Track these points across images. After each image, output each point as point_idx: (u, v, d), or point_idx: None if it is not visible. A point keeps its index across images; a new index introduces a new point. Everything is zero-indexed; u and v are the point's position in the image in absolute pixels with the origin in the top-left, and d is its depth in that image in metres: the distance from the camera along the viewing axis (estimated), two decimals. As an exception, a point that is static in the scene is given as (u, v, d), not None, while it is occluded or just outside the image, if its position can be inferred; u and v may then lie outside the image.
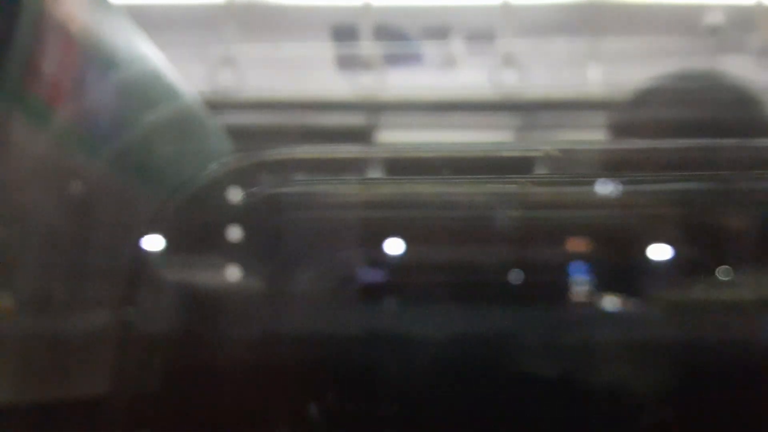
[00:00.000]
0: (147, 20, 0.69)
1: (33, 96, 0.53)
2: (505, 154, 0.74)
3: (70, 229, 0.60)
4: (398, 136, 0.90)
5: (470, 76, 0.89)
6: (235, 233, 0.72)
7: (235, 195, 0.72)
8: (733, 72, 0.80)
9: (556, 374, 0.73)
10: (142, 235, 0.67)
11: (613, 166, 0.77)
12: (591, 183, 0.73)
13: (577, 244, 0.74)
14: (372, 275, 0.75)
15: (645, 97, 0.80)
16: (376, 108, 0.86)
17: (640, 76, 0.81)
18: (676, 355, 0.71)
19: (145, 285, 0.67)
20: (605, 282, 0.73)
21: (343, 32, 0.88)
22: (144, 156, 0.67)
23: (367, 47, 0.87)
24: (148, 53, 0.69)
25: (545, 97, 0.86)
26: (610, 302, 0.73)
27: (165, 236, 0.68)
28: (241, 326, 0.72)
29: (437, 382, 0.73)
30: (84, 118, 0.60)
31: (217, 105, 0.80)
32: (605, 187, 0.73)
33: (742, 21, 0.84)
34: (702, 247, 0.72)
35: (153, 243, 0.67)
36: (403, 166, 0.75)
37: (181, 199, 0.70)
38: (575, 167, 0.74)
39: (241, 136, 0.78)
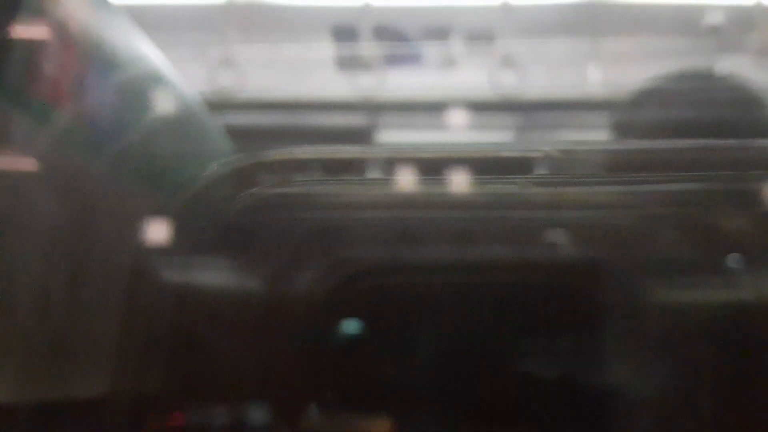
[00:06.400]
0: (147, 20, 0.68)
1: (33, 96, 0.53)
2: (505, 154, 0.74)
3: (71, 229, 0.60)
4: (398, 136, 0.90)
5: (470, 77, 0.89)
6: (235, 233, 0.72)
7: (236, 195, 0.72)
8: (733, 72, 0.80)
9: (557, 374, 0.73)
10: (143, 236, 0.67)
11: (613, 166, 0.77)
12: (591, 183, 0.73)
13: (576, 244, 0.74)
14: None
15: (646, 97, 0.80)
16: (376, 108, 0.86)
17: (640, 76, 0.81)
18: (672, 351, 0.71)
19: (146, 285, 0.67)
20: (604, 281, 0.73)
21: (343, 32, 0.88)
22: (144, 156, 0.67)
23: (367, 47, 0.87)
24: (148, 54, 0.69)
25: (545, 97, 0.86)
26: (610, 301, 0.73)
27: (166, 237, 0.68)
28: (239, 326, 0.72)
29: (438, 377, 0.73)
30: (84, 119, 0.60)
31: (217, 105, 0.80)
32: (605, 188, 0.73)
33: (742, 21, 0.84)
34: (701, 247, 0.72)
35: (154, 243, 0.67)
36: (403, 166, 0.75)
37: (182, 199, 0.70)
38: (575, 167, 0.74)
39: (241, 136, 0.78)
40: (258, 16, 0.90)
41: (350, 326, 0.75)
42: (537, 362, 0.75)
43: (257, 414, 0.70)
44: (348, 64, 0.88)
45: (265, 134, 0.83)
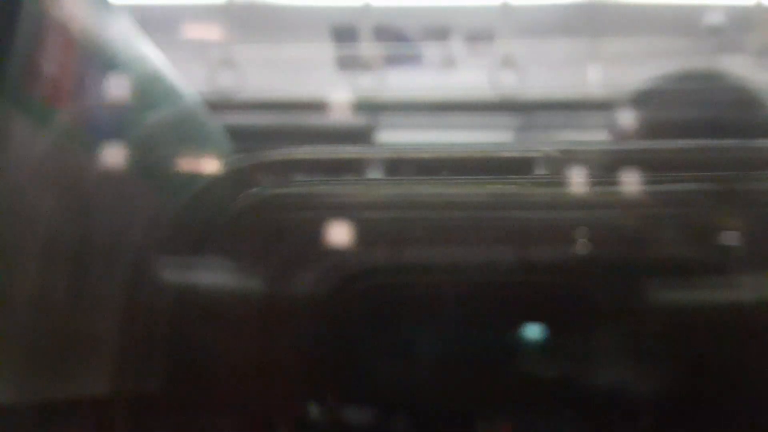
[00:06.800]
0: (147, 20, 0.68)
1: (33, 97, 0.53)
2: (505, 154, 0.74)
3: (71, 229, 0.60)
4: (398, 137, 0.90)
5: (470, 77, 0.89)
6: (235, 234, 0.72)
7: (236, 195, 0.71)
8: (733, 72, 0.80)
9: (557, 373, 0.73)
10: (143, 236, 0.67)
11: (613, 166, 0.77)
12: (591, 183, 0.73)
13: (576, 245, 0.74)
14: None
15: (646, 98, 0.80)
16: (376, 108, 0.86)
17: (640, 77, 0.81)
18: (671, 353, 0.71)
19: (147, 286, 0.67)
20: (605, 282, 0.73)
21: (343, 32, 0.88)
22: (144, 157, 0.67)
23: (367, 48, 0.87)
24: (148, 54, 0.69)
25: (545, 97, 0.86)
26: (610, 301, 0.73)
27: (166, 237, 0.68)
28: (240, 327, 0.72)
29: (438, 379, 0.73)
30: (84, 119, 0.60)
31: (217, 105, 0.79)
32: (605, 188, 0.73)
33: (742, 21, 0.84)
34: (702, 248, 0.72)
35: (154, 244, 0.67)
36: (403, 166, 0.75)
37: (182, 199, 0.70)
38: (575, 167, 0.74)
39: (241, 136, 0.78)
40: (258, 16, 0.90)
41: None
42: (537, 362, 0.75)
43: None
44: (348, 64, 0.88)
45: (265, 134, 0.83)
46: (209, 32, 0.86)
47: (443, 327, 0.76)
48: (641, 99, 0.80)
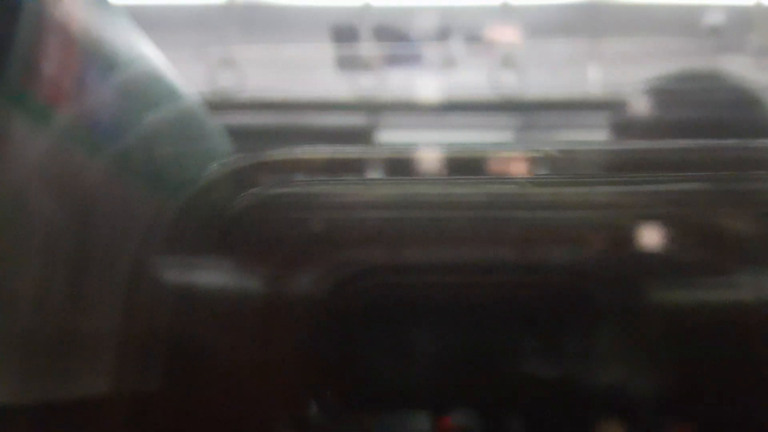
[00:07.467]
0: (147, 20, 0.68)
1: (33, 96, 0.53)
2: (505, 154, 0.74)
3: (71, 229, 0.60)
4: (398, 137, 0.90)
5: (470, 77, 0.89)
6: (235, 234, 0.72)
7: (236, 195, 0.72)
8: (733, 72, 0.80)
9: (557, 373, 0.73)
10: (143, 236, 0.67)
11: (613, 166, 0.77)
12: (591, 183, 0.73)
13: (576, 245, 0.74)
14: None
15: (645, 98, 0.80)
16: (376, 108, 0.86)
17: (640, 77, 0.81)
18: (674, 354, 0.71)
19: (147, 286, 0.67)
20: (605, 281, 0.73)
21: (343, 32, 0.88)
22: (144, 157, 0.67)
23: (367, 47, 0.87)
24: (148, 54, 0.69)
25: (545, 97, 0.86)
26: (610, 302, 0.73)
27: (166, 237, 0.68)
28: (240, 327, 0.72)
29: (437, 380, 0.73)
30: (84, 119, 0.60)
31: (217, 105, 0.79)
32: (605, 188, 0.73)
33: (742, 21, 0.84)
34: (701, 248, 0.72)
35: (154, 244, 0.67)
36: (403, 166, 0.75)
37: (182, 200, 0.70)
38: (575, 167, 0.74)
39: (241, 136, 0.78)
40: (258, 16, 0.90)
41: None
42: (537, 362, 0.75)
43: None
44: (348, 64, 0.88)
45: (265, 134, 0.83)
46: (209, 32, 0.86)
47: (443, 327, 0.76)
48: (641, 99, 0.80)
